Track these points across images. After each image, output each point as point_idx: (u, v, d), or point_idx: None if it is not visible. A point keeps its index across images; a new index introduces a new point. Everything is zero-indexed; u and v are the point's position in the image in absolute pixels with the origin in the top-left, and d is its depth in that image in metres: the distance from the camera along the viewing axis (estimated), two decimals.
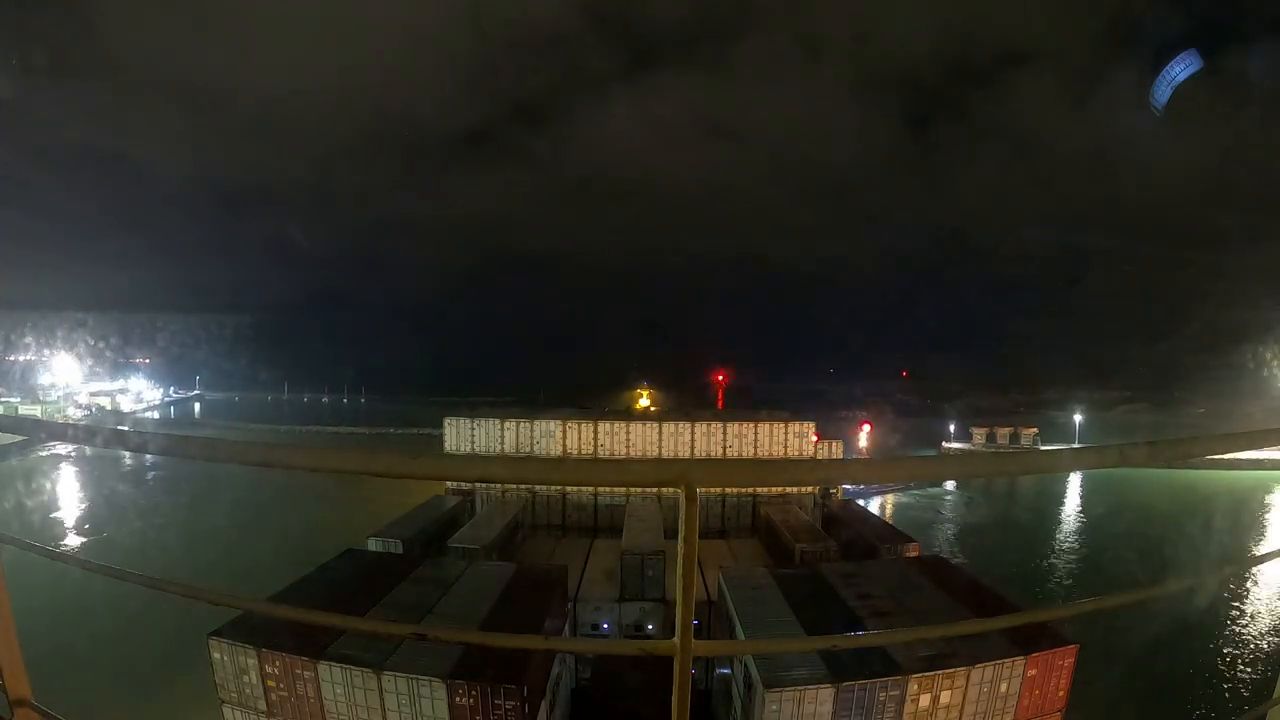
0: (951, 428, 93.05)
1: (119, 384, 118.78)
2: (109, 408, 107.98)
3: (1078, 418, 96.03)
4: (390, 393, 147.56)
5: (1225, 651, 30.37)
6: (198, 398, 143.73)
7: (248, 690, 13.69)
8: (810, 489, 30.82)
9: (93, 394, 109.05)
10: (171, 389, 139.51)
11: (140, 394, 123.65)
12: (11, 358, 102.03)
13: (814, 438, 33.42)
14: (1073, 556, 48.43)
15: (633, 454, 31.82)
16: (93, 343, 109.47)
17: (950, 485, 66.26)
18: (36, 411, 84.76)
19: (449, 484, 30.58)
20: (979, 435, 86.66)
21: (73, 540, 46.96)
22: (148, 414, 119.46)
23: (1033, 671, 13.56)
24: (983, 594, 17.02)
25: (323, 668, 13.03)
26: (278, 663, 13.36)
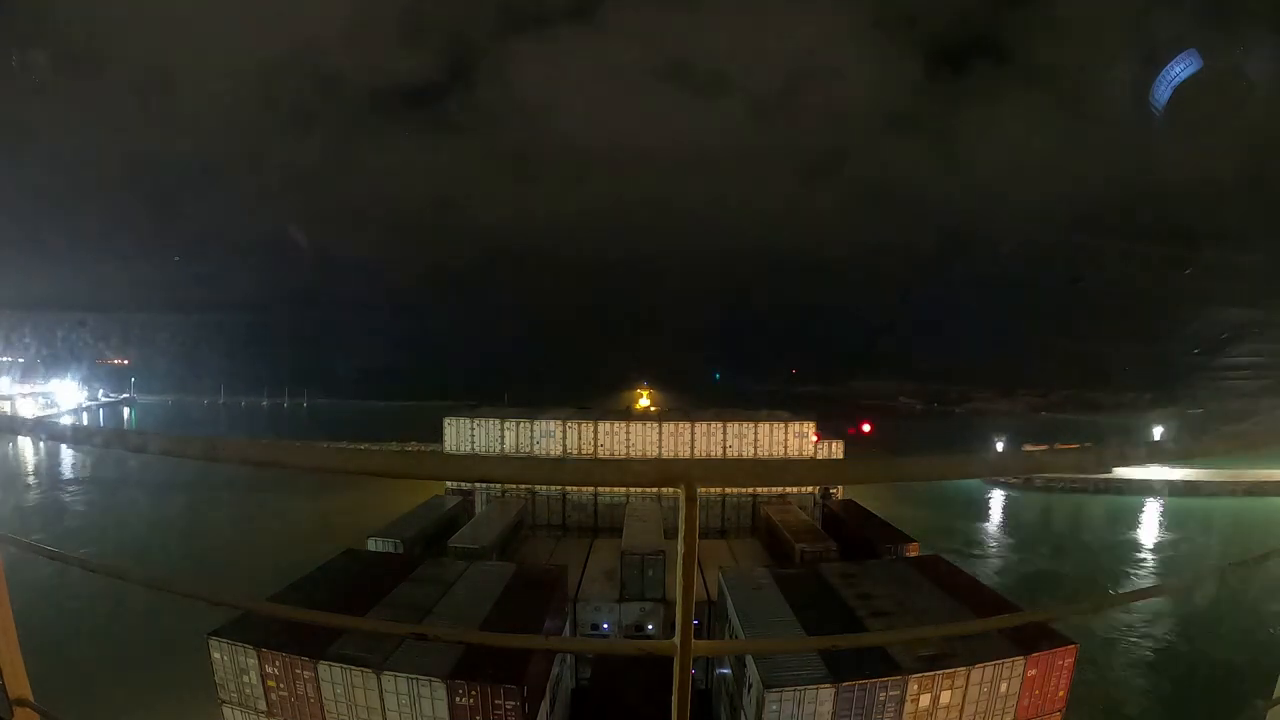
0: (999, 446, 75.48)
1: (46, 386, 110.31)
2: (9, 412, 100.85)
3: (1158, 429, 70.75)
4: (340, 395, 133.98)
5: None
6: (128, 402, 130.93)
7: (248, 690, 13.71)
8: (810, 489, 30.84)
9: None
10: (100, 392, 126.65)
11: (52, 398, 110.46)
12: None
13: (814, 438, 33.43)
14: None
15: (633, 454, 31.81)
16: (14, 342, 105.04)
17: None
18: None
19: (449, 484, 30.59)
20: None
21: None
22: (62, 419, 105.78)
23: (1033, 671, 13.56)
24: (983, 594, 17.06)
25: (323, 668, 13.04)
26: (278, 662, 13.37)
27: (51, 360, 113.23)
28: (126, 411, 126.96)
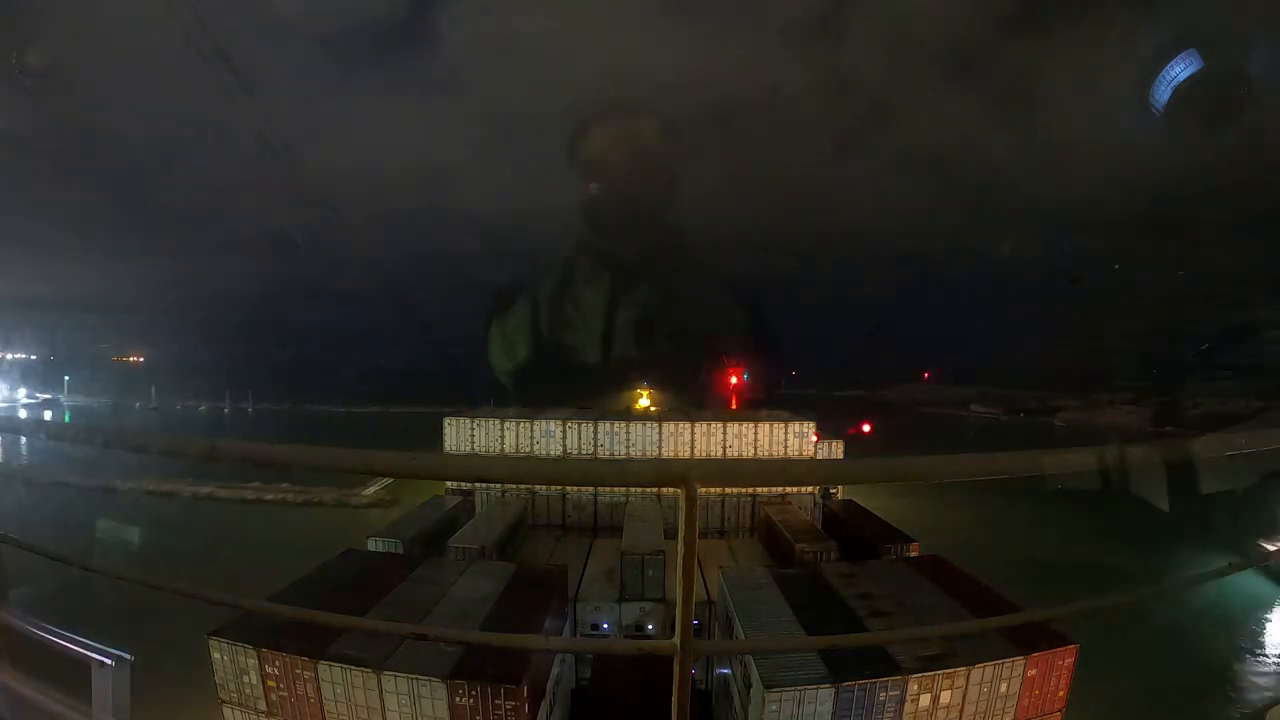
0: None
1: None
2: None
3: None
4: (301, 399, 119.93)
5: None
6: (51, 404, 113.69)
7: (248, 690, 13.71)
8: (810, 489, 30.83)
9: None
10: (23, 392, 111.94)
11: None
12: None
13: (814, 438, 33.41)
14: None
15: (633, 454, 31.79)
16: None
17: None
18: None
19: (449, 484, 30.57)
20: None
21: None
22: None
23: (1033, 671, 13.57)
24: (983, 594, 17.02)
25: (323, 668, 13.04)
26: (278, 663, 13.37)
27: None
28: (49, 415, 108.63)
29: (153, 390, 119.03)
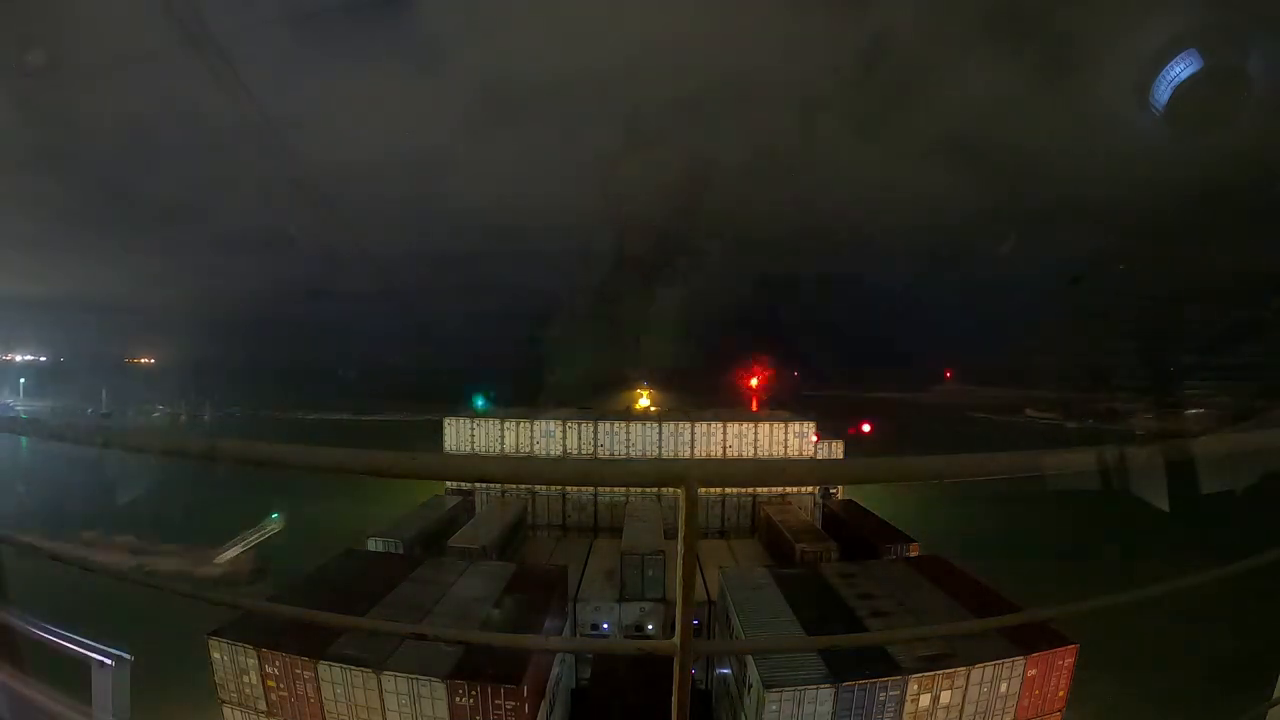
0: None
1: None
2: None
3: None
4: (276, 403, 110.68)
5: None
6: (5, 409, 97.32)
7: (248, 690, 13.72)
8: (810, 489, 30.83)
9: None
10: None
11: None
12: None
13: (814, 438, 33.42)
14: None
15: (633, 454, 31.81)
16: None
17: None
18: None
19: (449, 484, 30.56)
20: None
21: None
22: None
23: (1033, 671, 13.57)
24: (983, 594, 17.02)
25: (323, 668, 13.05)
26: (278, 663, 13.38)
27: None
28: None
29: (103, 394, 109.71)
